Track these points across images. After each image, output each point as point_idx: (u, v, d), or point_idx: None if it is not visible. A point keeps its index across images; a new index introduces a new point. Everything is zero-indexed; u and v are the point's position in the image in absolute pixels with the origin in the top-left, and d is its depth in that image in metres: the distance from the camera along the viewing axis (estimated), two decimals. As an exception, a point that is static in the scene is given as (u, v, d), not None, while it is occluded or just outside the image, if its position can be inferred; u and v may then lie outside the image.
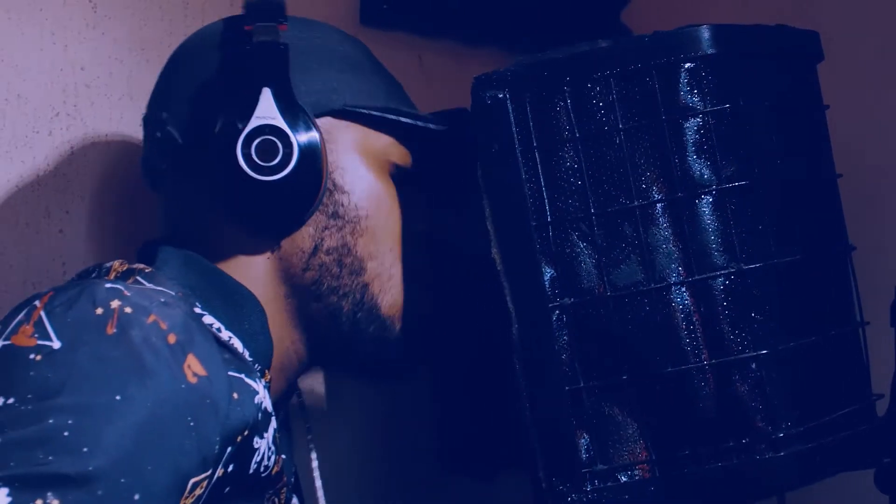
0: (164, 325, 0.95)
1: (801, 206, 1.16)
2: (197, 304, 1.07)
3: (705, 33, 1.10)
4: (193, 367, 0.95)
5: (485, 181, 1.13)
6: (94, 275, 1.10)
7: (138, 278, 1.06)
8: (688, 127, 1.10)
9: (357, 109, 1.17)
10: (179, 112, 1.16)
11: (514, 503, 1.35)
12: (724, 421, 1.10)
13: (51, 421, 0.86)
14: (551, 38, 1.75)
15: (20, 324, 0.93)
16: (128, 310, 0.94)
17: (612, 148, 1.11)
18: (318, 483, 1.29)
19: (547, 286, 1.12)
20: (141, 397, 0.90)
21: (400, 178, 1.21)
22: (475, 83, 1.13)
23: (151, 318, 0.94)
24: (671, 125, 1.10)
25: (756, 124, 1.12)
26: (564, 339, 1.12)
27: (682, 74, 1.10)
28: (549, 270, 1.12)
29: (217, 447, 0.95)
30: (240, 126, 1.09)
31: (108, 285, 0.96)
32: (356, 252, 1.16)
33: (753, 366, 1.09)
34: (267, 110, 1.09)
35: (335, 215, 1.15)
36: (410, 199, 1.22)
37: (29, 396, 0.87)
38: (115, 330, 0.92)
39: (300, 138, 1.10)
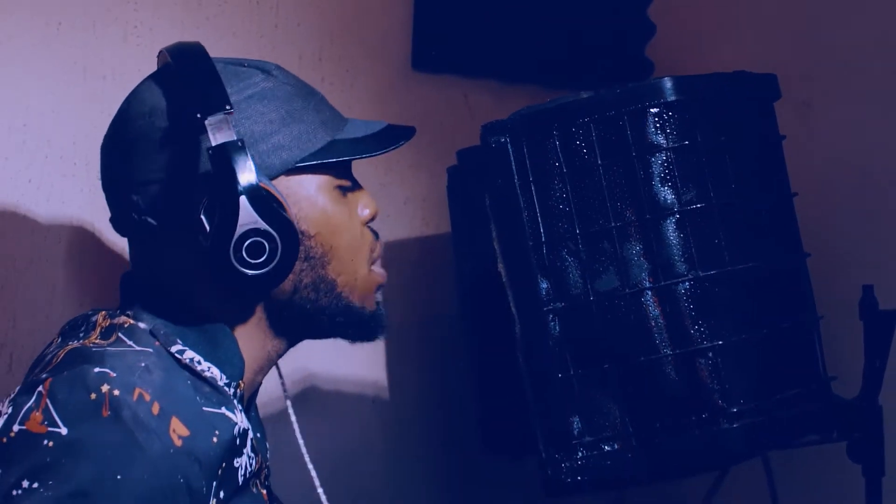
0: (147, 396, 1.09)
1: (754, 222, 1.36)
2: (178, 340, 1.19)
3: (668, 84, 1.32)
4: (178, 429, 1.09)
5: (491, 209, 1.35)
6: (81, 329, 1.21)
7: (120, 335, 1.17)
8: (654, 161, 1.31)
9: (306, 163, 1.23)
10: (153, 202, 1.20)
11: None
12: (688, 399, 1.31)
13: None
14: (582, 73, 1.95)
15: (31, 410, 1.07)
16: (116, 392, 1.08)
17: (592, 179, 1.32)
18: (304, 449, 1.38)
19: (542, 293, 1.34)
20: (138, 472, 1.06)
21: (343, 191, 1.28)
22: (482, 131, 1.35)
23: (136, 393, 1.09)
24: (640, 160, 1.31)
25: (712, 156, 1.33)
26: (557, 336, 1.34)
27: (649, 118, 1.31)
28: (543, 280, 1.34)
29: (205, 489, 1.11)
30: (227, 235, 1.13)
31: (96, 370, 1.09)
32: (328, 278, 1.25)
33: (711, 354, 1.30)
34: (248, 216, 1.14)
35: (308, 258, 1.24)
36: (352, 201, 1.29)
37: (50, 483, 1.03)
38: (108, 412, 1.07)
39: (280, 229, 1.15)
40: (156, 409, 1.09)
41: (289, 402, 1.40)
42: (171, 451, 1.08)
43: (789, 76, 1.50)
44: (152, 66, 1.54)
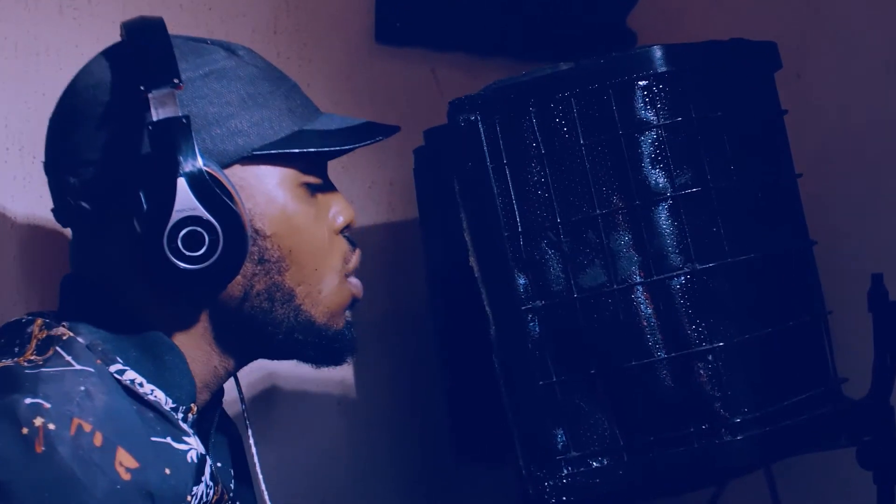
0: (87, 427, 0.99)
1: (756, 207, 1.25)
2: (118, 359, 1.09)
3: (657, 53, 1.21)
4: (125, 461, 1.00)
5: (461, 196, 1.25)
6: (16, 343, 1.11)
7: (58, 349, 1.07)
8: (643, 140, 1.21)
9: (265, 152, 1.15)
10: (90, 184, 1.13)
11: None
12: (685, 409, 1.21)
13: None
14: (559, 45, 1.83)
15: None
16: (51, 426, 0.98)
17: (574, 162, 1.22)
18: (258, 468, 1.30)
19: (520, 290, 1.24)
20: None
21: (312, 190, 1.21)
22: (450, 108, 1.24)
23: (75, 425, 0.99)
24: (628, 139, 1.21)
25: (708, 134, 1.22)
26: (537, 339, 1.24)
27: (637, 92, 1.21)
28: (521, 276, 1.24)
29: None
30: (162, 221, 1.06)
31: (27, 401, 0.99)
32: (285, 286, 1.17)
33: (710, 357, 1.20)
34: (186, 202, 1.06)
35: (262, 261, 1.15)
36: (322, 204, 1.22)
37: None
38: (43, 448, 0.97)
39: (224, 220, 1.08)
40: (98, 440, 1.00)
41: (246, 416, 1.33)
42: (118, 486, 1.00)
43: (779, 47, 1.41)
44: (90, 41, 1.49)
